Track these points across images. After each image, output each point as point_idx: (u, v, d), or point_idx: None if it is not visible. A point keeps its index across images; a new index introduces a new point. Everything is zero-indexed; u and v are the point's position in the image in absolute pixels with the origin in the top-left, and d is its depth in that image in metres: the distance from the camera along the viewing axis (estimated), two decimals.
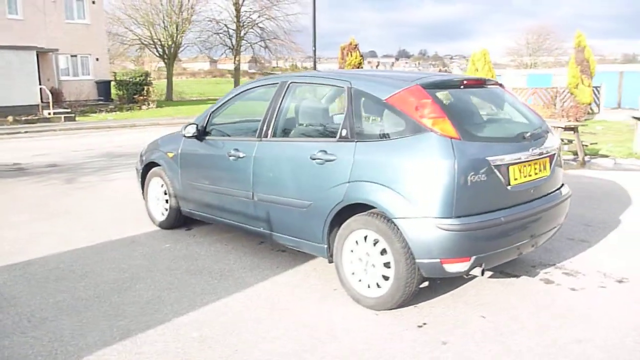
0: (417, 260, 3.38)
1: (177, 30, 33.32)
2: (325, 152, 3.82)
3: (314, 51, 16.35)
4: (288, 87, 4.37)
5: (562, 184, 4.20)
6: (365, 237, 3.64)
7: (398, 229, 3.43)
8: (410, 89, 3.59)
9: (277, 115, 4.34)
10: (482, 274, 3.51)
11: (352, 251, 3.75)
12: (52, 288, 4.07)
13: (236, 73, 40.21)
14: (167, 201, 5.51)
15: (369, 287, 3.65)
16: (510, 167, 3.51)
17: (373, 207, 3.59)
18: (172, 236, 5.39)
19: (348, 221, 3.73)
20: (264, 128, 4.37)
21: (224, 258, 4.73)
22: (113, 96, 26.20)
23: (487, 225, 3.35)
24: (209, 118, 5.00)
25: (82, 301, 3.83)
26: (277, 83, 4.47)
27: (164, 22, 32.77)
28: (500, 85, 4.29)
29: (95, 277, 4.30)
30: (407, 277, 3.43)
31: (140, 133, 16.44)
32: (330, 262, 3.99)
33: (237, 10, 37.89)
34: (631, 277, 4.20)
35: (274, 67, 59.78)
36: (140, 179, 5.92)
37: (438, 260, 3.33)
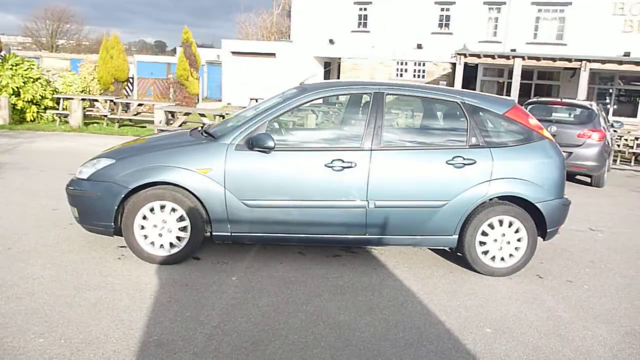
0: (548, 230, 4.72)
1: None
2: (462, 157, 4.52)
3: None
4: (382, 97, 4.62)
5: None
6: (501, 222, 4.64)
7: (530, 210, 4.65)
8: (516, 106, 4.79)
9: (378, 123, 4.54)
10: None
11: (484, 234, 4.66)
12: (275, 356, 3.20)
13: None
14: (181, 229, 4.44)
15: (502, 260, 4.70)
16: None
17: (508, 198, 4.64)
18: (200, 267, 4.45)
19: (484, 211, 4.60)
20: (372, 136, 4.50)
21: (320, 275, 4.49)
22: None
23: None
24: (267, 126, 4.47)
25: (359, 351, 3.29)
26: (371, 93, 4.61)
27: None
28: None
29: (279, 337, 3.50)
30: (535, 246, 4.73)
31: None
32: (456, 249, 4.72)
33: None
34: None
35: None
36: (115, 207, 4.37)
37: (557, 227, 4.79)
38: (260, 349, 3.21)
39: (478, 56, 18.93)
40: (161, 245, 4.47)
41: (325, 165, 4.42)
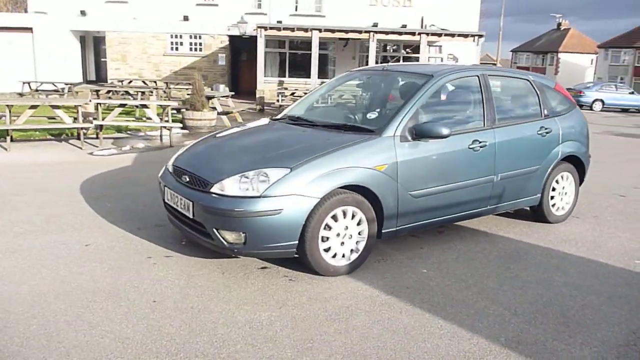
0: (584, 178, 5.90)
1: None
2: (544, 127, 5.33)
3: None
4: (486, 78, 5.05)
5: None
6: (562, 176, 5.63)
7: (574, 164, 5.75)
8: (556, 82, 5.77)
9: (491, 103, 4.99)
10: None
11: (553, 190, 5.58)
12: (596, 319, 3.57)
13: None
14: (359, 233, 4.18)
15: (563, 208, 5.72)
16: None
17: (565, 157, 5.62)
18: (375, 269, 4.31)
19: (555, 170, 5.51)
20: (490, 115, 4.93)
21: (468, 250, 4.81)
22: None
23: None
24: (418, 115, 4.49)
25: None
26: (477, 75, 5.00)
27: None
28: None
29: (566, 307, 3.83)
30: (578, 193, 5.87)
31: None
32: (537, 205, 5.52)
33: None
34: None
35: None
36: (302, 222, 3.84)
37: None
38: (581, 319, 3.52)
39: (278, 29, 19.57)
40: (343, 255, 4.13)
41: (468, 147, 4.70)
